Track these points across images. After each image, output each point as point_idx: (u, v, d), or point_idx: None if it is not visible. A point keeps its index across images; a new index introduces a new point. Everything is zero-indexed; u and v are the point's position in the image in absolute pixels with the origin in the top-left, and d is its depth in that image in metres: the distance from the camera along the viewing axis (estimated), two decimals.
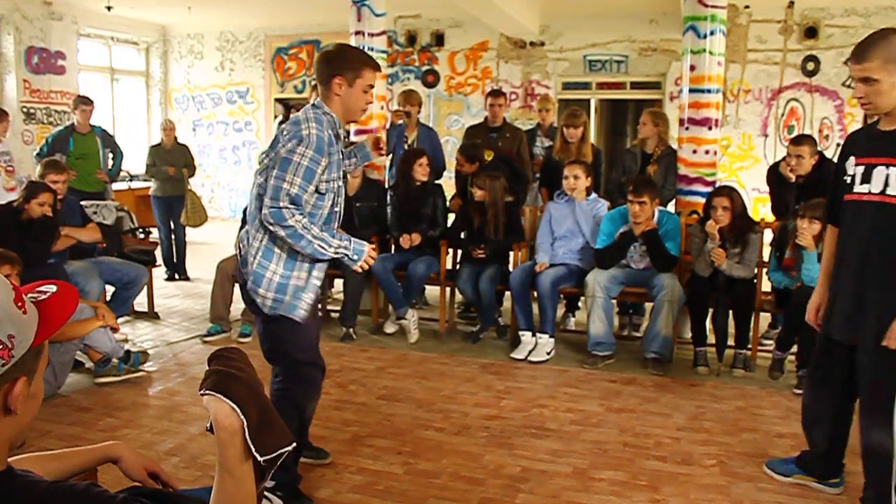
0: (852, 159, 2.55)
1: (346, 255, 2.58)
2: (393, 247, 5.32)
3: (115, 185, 6.67)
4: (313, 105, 2.59)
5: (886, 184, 2.42)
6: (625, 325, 5.33)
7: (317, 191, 2.53)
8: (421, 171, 5.13)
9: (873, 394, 2.52)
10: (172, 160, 6.77)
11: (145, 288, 5.21)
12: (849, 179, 2.55)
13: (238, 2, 9.28)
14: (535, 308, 4.71)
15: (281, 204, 2.44)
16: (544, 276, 4.60)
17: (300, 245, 2.49)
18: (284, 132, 2.53)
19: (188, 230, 6.98)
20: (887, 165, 2.41)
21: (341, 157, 2.64)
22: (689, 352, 4.52)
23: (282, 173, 2.45)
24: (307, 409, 2.79)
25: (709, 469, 3.08)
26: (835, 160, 2.87)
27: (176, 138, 7.04)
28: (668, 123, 5.20)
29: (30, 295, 1.10)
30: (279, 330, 2.63)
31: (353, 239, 2.62)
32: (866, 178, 2.47)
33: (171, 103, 11.62)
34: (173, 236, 6.87)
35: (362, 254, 2.60)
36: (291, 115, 2.63)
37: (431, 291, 5.87)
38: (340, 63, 2.56)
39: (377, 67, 2.64)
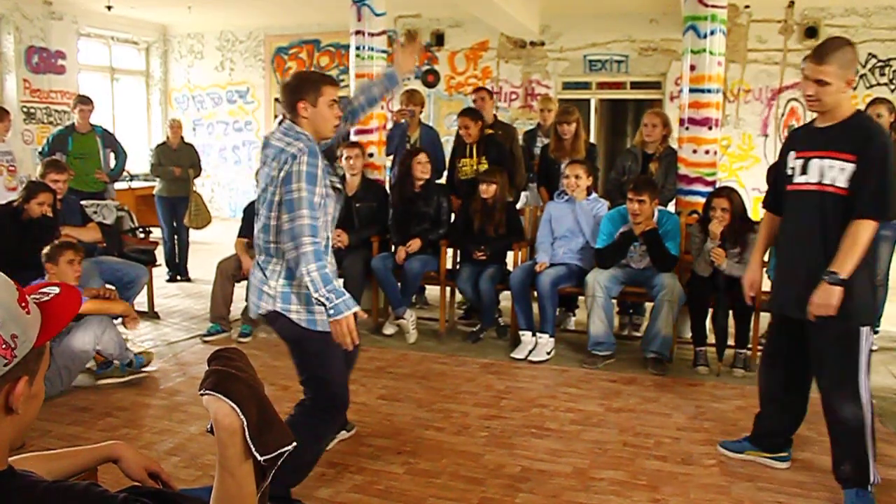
0: (793, 154, 2.80)
1: (326, 304, 2.38)
2: (393, 247, 5.32)
3: (116, 185, 6.64)
4: (284, 127, 2.57)
5: (822, 174, 2.67)
6: (625, 324, 5.33)
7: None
8: (420, 169, 5.11)
9: (833, 369, 2.71)
10: (178, 160, 6.73)
11: (145, 288, 5.21)
12: (790, 172, 2.80)
13: (238, 2, 9.27)
14: (535, 308, 4.71)
15: (305, 242, 2.40)
16: (544, 275, 4.60)
17: (306, 269, 2.41)
18: (272, 158, 2.51)
19: (190, 231, 6.96)
20: (821, 158, 2.67)
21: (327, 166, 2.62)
22: (689, 352, 4.53)
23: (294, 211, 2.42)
24: (325, 441, 2.77)
25: (709, 469, 3.09)
26: None
27: (182, 138, 7.02)
28: (671, 127, 5.15)
29: (33, 296, 1.10)
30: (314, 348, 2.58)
31: (347, 296, 2.42)
32: (804, 170, 2.72)
33: (171, 103, 11.61)
34: (176, 237, 6.85)
35: (342, 313, 2.38)
36: (270, 143, 2.58)
37: (432, 291, 5.87)
38: (300, 88, 2.57)
39: (335, 83, 2.65)
